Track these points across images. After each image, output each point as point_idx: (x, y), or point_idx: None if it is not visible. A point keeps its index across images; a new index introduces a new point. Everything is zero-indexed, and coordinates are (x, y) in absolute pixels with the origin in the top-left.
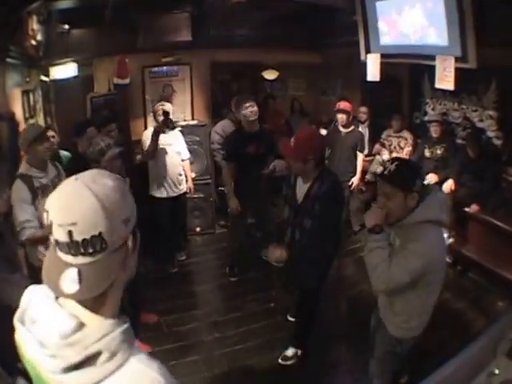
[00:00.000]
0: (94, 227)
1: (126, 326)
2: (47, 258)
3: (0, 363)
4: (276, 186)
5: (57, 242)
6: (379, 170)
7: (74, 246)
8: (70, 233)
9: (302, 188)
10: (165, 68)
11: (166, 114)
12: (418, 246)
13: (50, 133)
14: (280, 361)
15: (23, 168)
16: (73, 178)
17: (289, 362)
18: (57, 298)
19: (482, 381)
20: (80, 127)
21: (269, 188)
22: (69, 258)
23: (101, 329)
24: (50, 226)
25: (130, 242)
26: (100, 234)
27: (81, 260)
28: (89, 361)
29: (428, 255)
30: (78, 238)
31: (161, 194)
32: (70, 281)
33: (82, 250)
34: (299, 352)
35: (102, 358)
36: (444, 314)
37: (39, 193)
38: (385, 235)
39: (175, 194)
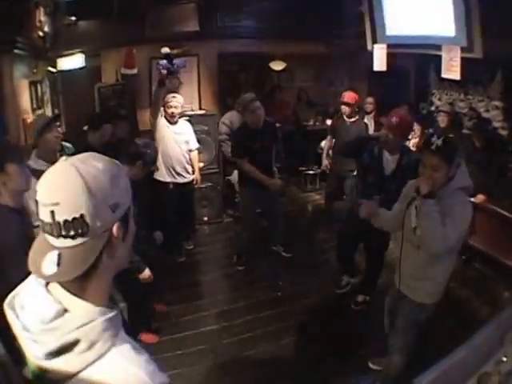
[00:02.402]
0: (77, 208)
1: (110, 315)
2: (37, 240)
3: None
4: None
5: (42, 222)
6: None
7: (55, 227)
8: (52, 213)
9: (390, 160)
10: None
11: (167, 56)
12: (462, 208)
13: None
14: (353, 306)
15: (32, 162)
16: (63, 158)
17: (359, 307)
18: (47, 284)
19: (489, 368)
20: (96, 121)
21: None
22: (52, 240)
23: (82, 316)
24: (37, 205)
25: (115, 230)
26: (82, 216)
27: (63, 242)
28: (67, 349)
29: (469, 218)
30: (59, 218)
31: (164, 178)
32: (49, 262)
33: (64, 232)
34: (367, 298)
35: (81, 346)
36: (449, 304)
37: None
38: (437, 201)
39: (180, 181)
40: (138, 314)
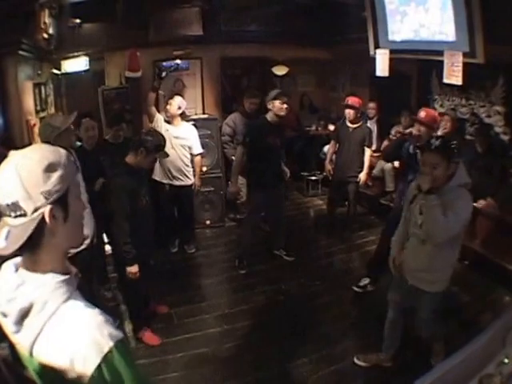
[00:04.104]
0: (12, 195)
1: (60, 278)
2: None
3: None
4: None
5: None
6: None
7: (4, 209)
8: None
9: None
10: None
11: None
12: (463, 203)
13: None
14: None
15: None
16: (12, 152)
17: (361, 290)
18: (16, 269)
19: (491, 370)
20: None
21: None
22: (7, 219)
23: (35, 283)
24: None
25: (46, 213)
26: (17, 201)
27: (12, 221)
28: (26, 314)
29: (469, 210)
30: (3, 202)
31: (161, 179)
32: (1, 238)
33: (7, 213)
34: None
35: (35, 308)
36: (450, 308)
37: None
38: (438, 196)
39: (176, 184)
40: (138, 315)
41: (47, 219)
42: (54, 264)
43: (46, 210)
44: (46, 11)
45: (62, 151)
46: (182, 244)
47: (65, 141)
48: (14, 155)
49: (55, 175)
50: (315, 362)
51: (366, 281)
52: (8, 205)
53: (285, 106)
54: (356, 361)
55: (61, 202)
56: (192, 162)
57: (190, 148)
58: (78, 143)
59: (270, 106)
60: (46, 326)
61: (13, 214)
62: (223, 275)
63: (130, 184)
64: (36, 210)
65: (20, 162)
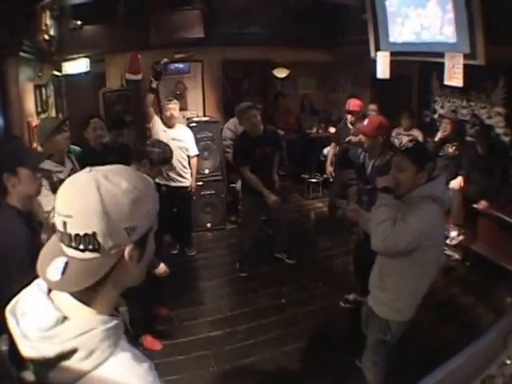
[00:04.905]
0: (89, 226)
1: (110, 324)
2: (48, 243)
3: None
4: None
5: (56, 228)
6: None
7: (66, 237)
8: (64, 224)
9: (370, 163)
10: (177, 65)
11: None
12: (418, 214)
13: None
14: (342, 304)
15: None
16: (88, 169)
17: (350, 306)
18: (49, 291)
19: (493, 371)
20: (85, 119)
21: None
22: (63, 247)
23: (81, 325)
24: (54, 210)
25: (127, 253)
26: (94, 234)
27: (72, 252)
28: (65, 357)
29: (426, 225)
30: (71, 231)
31: (158, 180)
32: (55, 269)
33: (74, 244)
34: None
35: (79, 355)
36: (453, 309)
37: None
38: (393, 199)
39: (173, 185)
40: (139, 319)
41: (127, 259)
42: (109, 303)
43: (127, 249)
44: (47, 13)
45: (150, 180)
46: (182, 246)
47: (57, 142)
48: (92, 175)
49: (143, 209)
50: (316, 364)
51: (353, 296)
52: (78, 235)
53: (253, 120)
54: (358, 363)
55: (141, 240)
56: (189, 163)
57: (186, 150)
58: (75, 147)
59: (242, 119)
60: (89, 375)
61: (81, 247)
62: (224, 278)
63: None
64: (114, 247)
65: (105, 187)
